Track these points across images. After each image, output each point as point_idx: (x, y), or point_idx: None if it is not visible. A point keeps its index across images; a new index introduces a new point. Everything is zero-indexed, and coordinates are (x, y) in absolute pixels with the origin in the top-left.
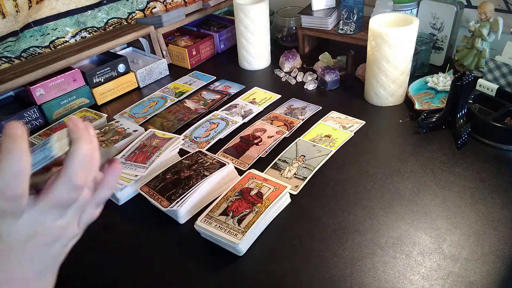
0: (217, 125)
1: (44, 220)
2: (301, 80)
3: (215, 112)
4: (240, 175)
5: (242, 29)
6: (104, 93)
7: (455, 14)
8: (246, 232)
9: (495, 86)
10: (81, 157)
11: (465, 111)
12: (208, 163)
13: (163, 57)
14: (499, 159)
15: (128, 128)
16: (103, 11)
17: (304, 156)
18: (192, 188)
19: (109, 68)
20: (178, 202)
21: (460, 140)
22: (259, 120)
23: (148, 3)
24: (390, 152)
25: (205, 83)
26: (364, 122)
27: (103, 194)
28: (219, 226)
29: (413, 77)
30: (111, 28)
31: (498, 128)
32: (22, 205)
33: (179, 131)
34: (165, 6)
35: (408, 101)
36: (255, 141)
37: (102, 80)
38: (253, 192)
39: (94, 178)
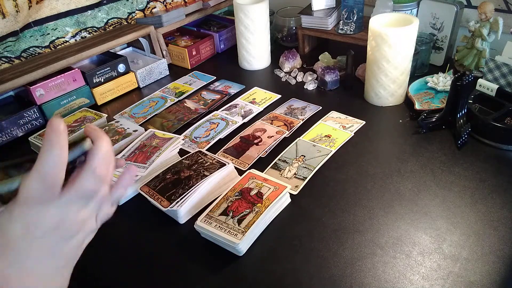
0: (217, 125)
1: (69, 211)
2: (301, 80)
3: (215, 112)
4: (240, 175)
5: (242, 29)
6: (104, 93)
7: (455, 14)
8: (246, 232)
9: (495, 86)
10: (103, 152)
11: (465, 111)
12: (208, 163)
13: (163, 57)
14: (499, 159)
15: (128, 128)
16: (103, 11)
17: (304, 156)
18: (192, 188)
19: (109, 68)
20: (178, 202)
21: (460, 140)
22: (259, 120)
23: (148, 3)
24: (390, 152)
25: (205, 83)
26: (364, 122)
27: (119, 193)
28: (219, 226)
29: (413, 77)
30: (111, 28)
31: (498, 128)
32: (55, 194)
33: (179, 131)
34: (165, 6)
35: (408, 101)
36: (255, 141)
37: (102, 80)
38: (253, 192)
39: (112, 177)
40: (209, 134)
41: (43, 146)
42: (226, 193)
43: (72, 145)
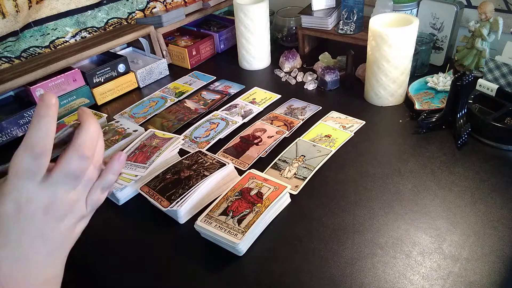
0: (217, 125)
1: (57, 191)
2: (301, 80)
3: (215, 112)
4: (240, 175)
5: (242, 29)
6: (104, 93)
7: (455, 14)
8: (246, 232)
9: (495, 86)
10: (89, 132)
11: (465, 111)
12: (208, 163)
13: (163, 57)
14: (499, 159)
15: (128, 128)
16: (103, 11)
17: (304, 156)
18: (192, 188)
19: (109, 68)
20: (178, 202)
21: (460, 140)
22: (259, 120)
23: (148, 3)
24: (390, 152)
25: (205, 83)
26: (364, 122)
27: (109, 179)
28: (219, 226)
29: (413, 77)
30: (111, 28)
31: (498, 128)
32: (43, 166)
33: (179, 131)
34: (165, 6)
35: (408, 101)
36: (255, 141)
37: (102, 80)
38: (253, 192)
39: (99, 161)
40: (209, 134)
41: (33, 118)
42: (226, 193)
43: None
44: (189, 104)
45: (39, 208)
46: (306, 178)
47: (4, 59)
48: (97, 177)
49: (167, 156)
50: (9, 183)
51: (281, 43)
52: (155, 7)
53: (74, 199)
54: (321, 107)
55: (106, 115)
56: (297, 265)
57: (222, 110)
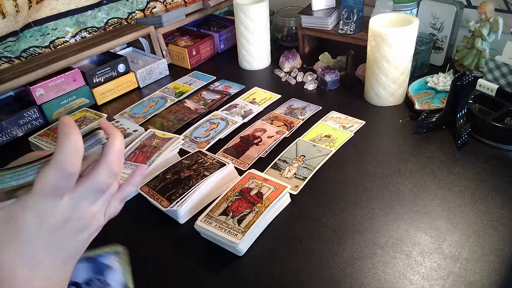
0: (217, 125)
1: (81, 204)
2: (301, 80)
3: (215, 112)
4: (240, 175)
5: (242, 29)
6: (104, 93)
7: (455, 14)
8: (246, 232)
9: (495, 86)
10: (117, 148)
11: (465, 111)
12: (208, 163)
13: (163, 57)
14: (499, 159)
15: (128, 128)
16: (103, 11)
17: (304, 156)
18: (192, 188)
19: (109, 68)
20: (178, 202)
21: (460, 140)
22: (259, 120)
23: (148, 3)
24: (390, 152)
25: (205, 83)
26: (364, 122)
27: (128, 190)
28: (219, 226)
29: (413, 77)
30: (111, 28)
31: (498, 128)
32: (72, 184)
33: (179, 131)
34: (165, 6)
35: (408, 101)
36: (255, 141)
37: (102, 80)
38: (253, 192)
39: (121, 173)
40: (209, 134)
41: (59, 137)
42: (226, 193)
43: (85, 136)
44: (189, 104)
45: (60, 220)
46: (306, 178)
47: (4, 59)
48: (117, 188)
49: (167, 156)
50: (34, 197)
51: (281, 43)
52: (155, 7)
53: (96, 212)
54: (321, 107)
55: (106, 115)
56: (297, 265)
57: (222, 110)
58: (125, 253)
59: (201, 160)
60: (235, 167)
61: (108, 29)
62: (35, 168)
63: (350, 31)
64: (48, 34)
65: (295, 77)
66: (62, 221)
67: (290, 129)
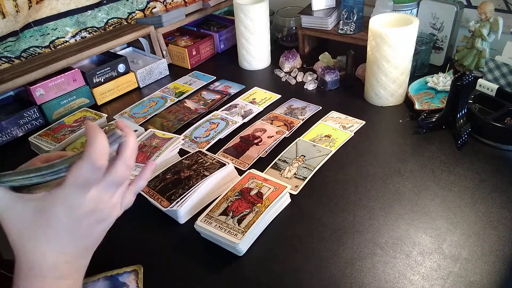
0: (217, 125)
1: (104, 196)
2: (301, 80)
3: (215, 112)
4: (240, 175)
5: (242, 29)
6: (104, 93)
7: (455, 14)
8: (246, 232)
9: (495, 86)
10: (132, 145)
11: (465, 111)
12: (208, 163)
13: (163, 57)
14: (499, 159)
15: None
16: (103, 11)
17: (304, 156)
18: (192, 188)
19: (109, 68)
20: (178, 202)
21: (460, 140)
22: (259, 120)
23: (148, 3)
24: (390, 152)
25: (205, 83)
26: (364, 122)
27: (140, 184)
28: (219, 226)
29: (413, 77)
30: (111, 28)
31: (498, 128)
32: (100, 176)
33: (179, 131)
34: (165, 6)
35: (408, 101)
36: (255, 141)
37: (102, 80)
38: (253, 192)
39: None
40: (209, 134)
41: (89, 137)
42: (226, 193)
43: (108, 136)
44: (189, 104)
45: (87, 210)
46: (306, 178)
47: (4, 59)
48: (130, 182)
49: (167, 156)
50: (65, 189)
51: (281, 43)
52: (155, 7)
53: (115, 202)
54: (321, 107)
55: (106, 115)
56: (297, 265)
57: (222, 110)
58: (141, 271)
59: (201, 160)
60: (235, 167)
61: (108, 29)
62: (65, 165)
63: (350, 31)
64: (48, 34)
65: (295, 77)
66: (89, 211)
67: (290, 129)
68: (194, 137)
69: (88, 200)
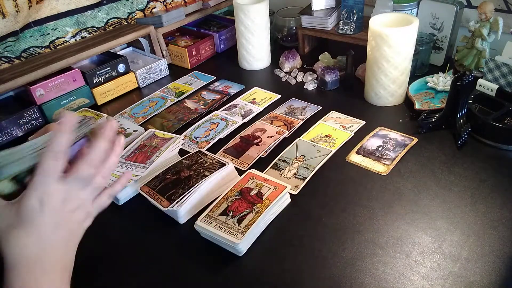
0: (217, 125)
1: (72, 188)
2: (301, 80)
3: (215, 112)
4: (240, 175)
5: (242, 29)
6: (104, 93)
7: (455, 14)
8: (246, 232)
9: (495, 86)
10: (100, 149)
11: (465, 111)
12: (208, 163)
13: (163, 57)
14: (499, 159)
15: (128, 128)
16: (103, 11)
17: (304, 156)
18: (192, 188)
19: (109, 68)
20: (178, 202)
21: (460, 140)
22: (259, 120)
23: (148, 3)
24: None
25: (205, 83)
26: (364, 122)
27: (116, 188)
28: (219, 226)
29: (413, 77)
30: (111, 28)
31: (498, 128)
32: (61, 166)
33: (179, 131)
34: (165, 6)
35: (408, 101)
36: (255, 141)
37: (102, 80)
38: (253, 192)
39: (109, 173)
40: (209, 134)
41: (55, 131)
42: (226, 193)
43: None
44: (189, 104)
45: (57, 201)
46: (306, 178)
47: (4, 59)
48: (105, 183)
49: (167, 156)
50: (35, 180)
51: (281, 43)
52: (155, 7)
53: (84, 197)
54: (321, 107)
55: (106, 115)
56: (297, 265)
57: (222, 110)
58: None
59: (201, 160)
60: (235, 167)
61: (108, 29)
62: (36, 152)
63: (350, 31)
64: (48, 34)
65: (295, 77)
66: (59, 201)
67: (290, 129)
68: (194, 137)
69: (57, 190)
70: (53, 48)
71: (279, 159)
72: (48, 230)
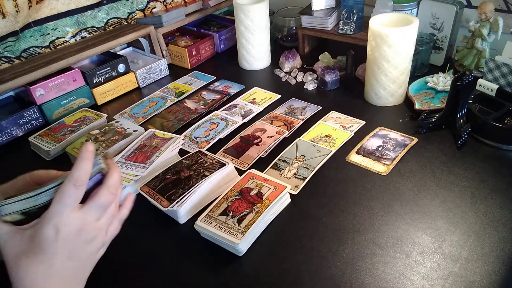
0: (217, 125)
1: (88, 217)
2: (301, 80)
3: (215, 112)
4: (240, 175)
5: (242, 29)
6: (104, 93)
7: (455, 14)
8: (246, 232)
9: (495, 86)
10: (116, 177)
11: (465, 111)
12: (208, 163)
13: (163, 57)
14: (499, 159)
15: (128, 128)
16: (103, 11)
17: (304, 156)
18: (192, 188)
19: (109, 68)
20: (178, 202)
21: (460, 140)
22: (259, 120)
23: (148, 3)
24: None
25: (205, 83)
26: (364, 122)
27: (123, 213)
28: (219, 226)
29: (413, 77)
30: (111, 28)
31: (498, 128)
32: (81, 194)
33: (179, 131)
34: (165, 6)
35: (408, 101)
36: (255, 141)
37: (102, 80)
38: (253, 192)
39: (119, 199)
40: (209, 134)
41: (78, 159)
42: (226, 193)
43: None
44: (189, 104)
45: (73, 231)
46: (306, 178)
47: (4, 59)
48: (117, 211)
49: (167, 156)
50: (52, 208)
51: (281, 43)
52: (155, 7)
53: (100, 226)
54: (321, 107)
55: (106, 115)
56: (297, 265)
57: (222, 110)
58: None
59: (201, 160)
60: (235, 167)
61: (108, 29)
62: (53, 190)
63: (350, 31)
64: (48, 34)
65: (295, 77)
66: (75, 231)
67: (290, 129)
68: (194, 137)
69: (74, 218)
70: (53, 48)
71: (279, 159)
72: (61, 260)
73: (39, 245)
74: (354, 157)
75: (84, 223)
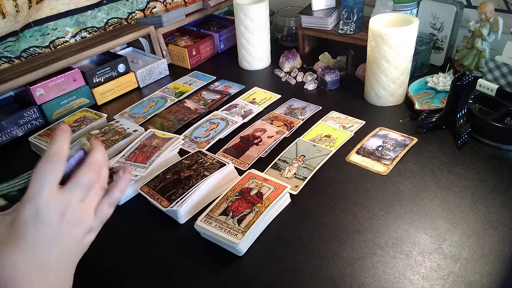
0: (217, 125)
1: (71, 198)
2: (301, 80)
3: (215, 112)
4: (240, 175)
5: (242, 29)
6: (104, 93)
7: (455, 14)
8: (246, 232)
9: (495, 86)
10: (99, 155)
11: (465, 111)
12: (208, 163)
13: (163, 57)
14: (499, 159)
15: (128, 128)
16: (103, 11)
17: (304, 156)
18: (192, 188)
19: (109, 68)
20: (178, 202)
21: (460, 140)
22: (259, 120)
23: (148, 3)
24: None
25: (205, 83)
26: (364, 122)
27: (116, 195)
28: (219, 226)
29: (413, 77)
30: (111, 28)
31: (498, 128)
32: (59, 171)
33: (179, 131)
34: (165, 6)
35: (408, 101)
36: (255, 141)
37: (102, 80)
38: (253, 192)
39: (105, 183)
40: (209, 134)
41: (54, 134)
42: (226, 193)
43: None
44: (189, 104)
45: (55, 213)
46: (306, 178)
47: (4, 59)
48: (103, 195)
49: (167, 156)
50: (30, 189)
51: (281, 43)
52: (155, 7)
53: (84, 207)
54: (321, 107)
55: (106, 115)
56: (297, 265)
57: (222, 110)
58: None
59: (201, 160)
60: (235, 167)
61: (108, 29)
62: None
63: (350, 31)
64: (48, 34)
65: (295, 77)
66: (57, 213)
67: (290, 129)
68: (194, 137)
69: (54, 199)
70: (53, 48)
71: (279, 159)
72: (42, 247)
73: (18, 230)
74: (354, 157)
75: (67, 204)
